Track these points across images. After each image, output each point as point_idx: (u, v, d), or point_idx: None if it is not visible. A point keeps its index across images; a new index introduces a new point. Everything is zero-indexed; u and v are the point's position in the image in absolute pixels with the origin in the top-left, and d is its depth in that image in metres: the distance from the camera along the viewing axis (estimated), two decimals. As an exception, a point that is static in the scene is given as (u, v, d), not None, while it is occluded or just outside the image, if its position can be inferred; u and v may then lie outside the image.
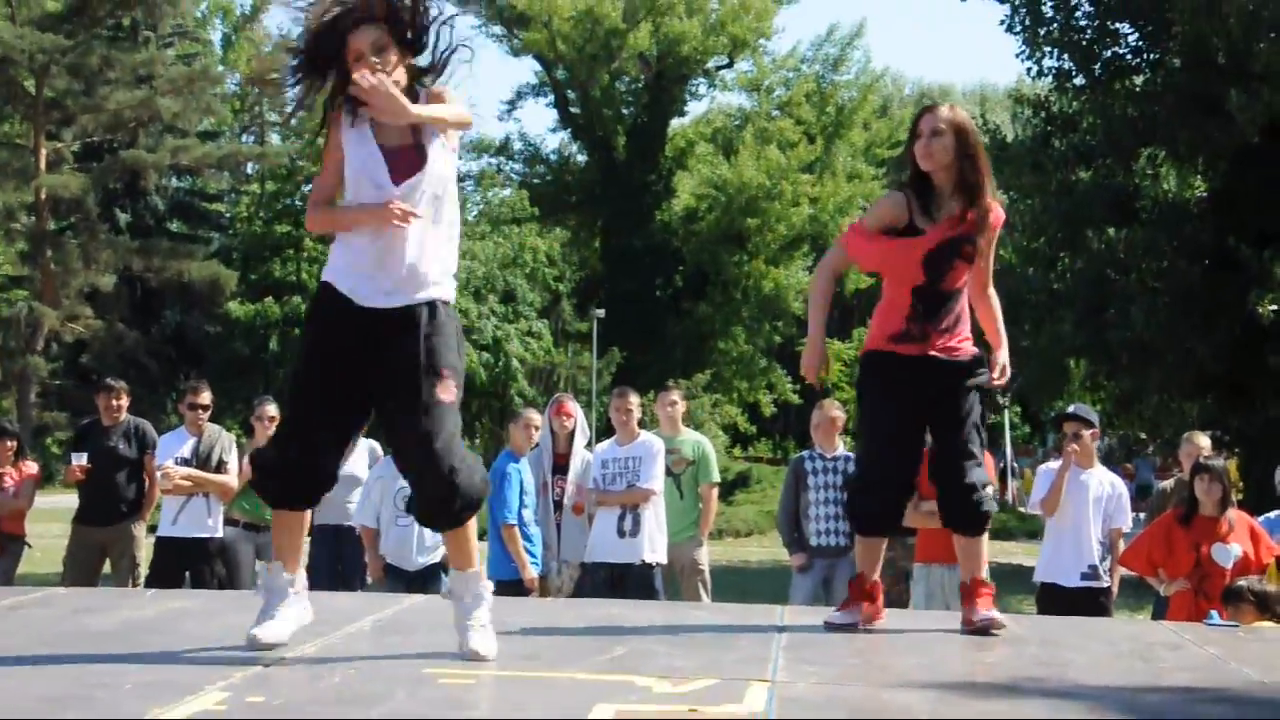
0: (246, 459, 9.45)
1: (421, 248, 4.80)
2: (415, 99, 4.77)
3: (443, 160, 4.84)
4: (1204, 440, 10.18)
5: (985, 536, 5.98)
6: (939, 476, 5.84)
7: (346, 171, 4.84)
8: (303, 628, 5.09)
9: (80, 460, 10.40)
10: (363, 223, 4.78)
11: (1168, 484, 10.51)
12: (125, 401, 10.68)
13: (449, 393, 4.75)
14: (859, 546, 6.01)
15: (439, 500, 4.75)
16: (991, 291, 6.12)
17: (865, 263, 6.09)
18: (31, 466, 11.12)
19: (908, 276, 5.70)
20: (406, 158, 4.79)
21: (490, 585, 4.97)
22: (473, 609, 4.83)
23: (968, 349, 5.82)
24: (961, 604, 6.00)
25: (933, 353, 5.72)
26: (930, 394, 5.72)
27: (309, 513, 5.14)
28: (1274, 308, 20.26)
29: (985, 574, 5.98)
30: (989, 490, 5.86)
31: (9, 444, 10.89)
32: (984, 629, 5.75)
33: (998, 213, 5.78)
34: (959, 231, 5.65)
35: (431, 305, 4.81)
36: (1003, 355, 6.04)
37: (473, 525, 4.87)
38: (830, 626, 5.81)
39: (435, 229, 4.85)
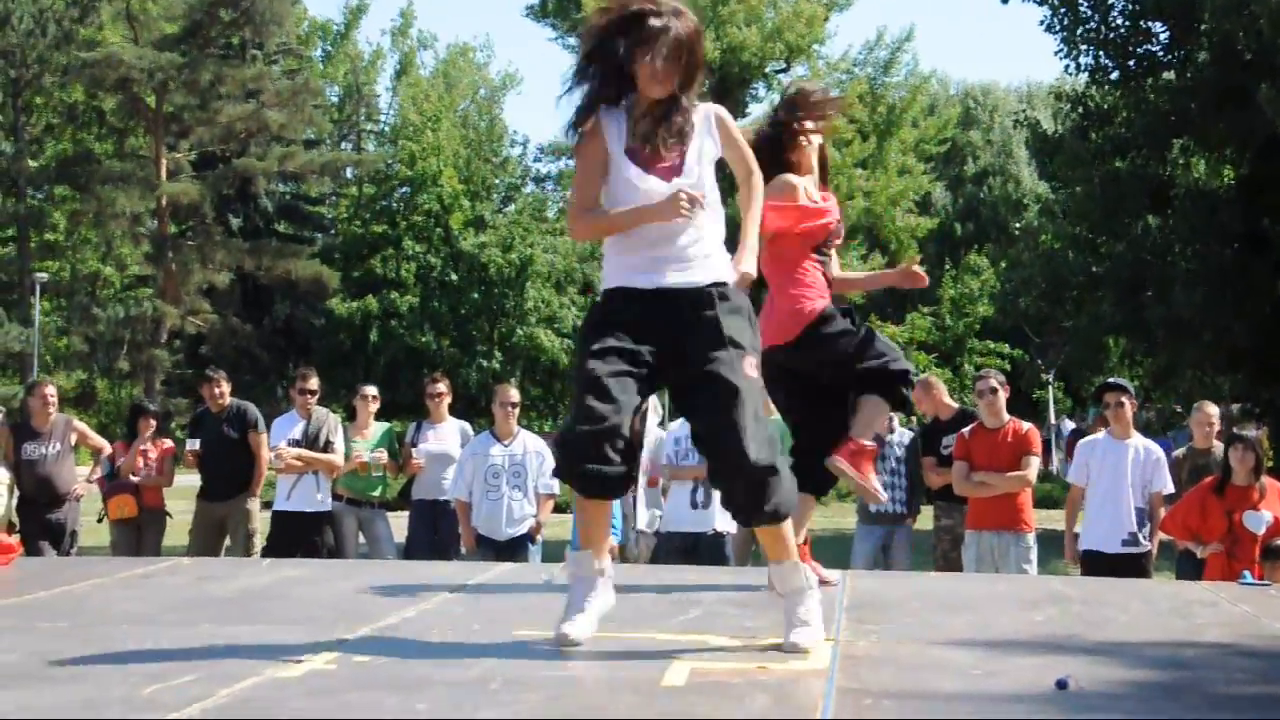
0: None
1: (699, 231, 4.46)
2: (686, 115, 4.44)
3: (699, 170, 4.46)
4: (1213, 409, 10.02)
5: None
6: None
7: (612, 181, 4.49)
8: (405, 594, 5.12)
9: (193, 445, 10.60)
10: (648, 219, 4.40)
11: (1180, 452, 10.35)
12: (226, 388, 10.80)
13: (753, 369, 4.39)
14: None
15: (746, 499, 4.35)
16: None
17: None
18: (169, 444, 11.29)
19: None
20: (671, 170, 4.44)
21: (814, 576, 4.57)
22: (796, 606, 4.41)
23: None
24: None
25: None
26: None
27: (613, 502, 4.69)
28: (1302, 289, 20.01)
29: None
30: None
31: (151, 422, 11.07)
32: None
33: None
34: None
35: (720, 287, 4.45)
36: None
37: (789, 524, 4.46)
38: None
39: (707, 215, 4.46)
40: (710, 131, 4.50)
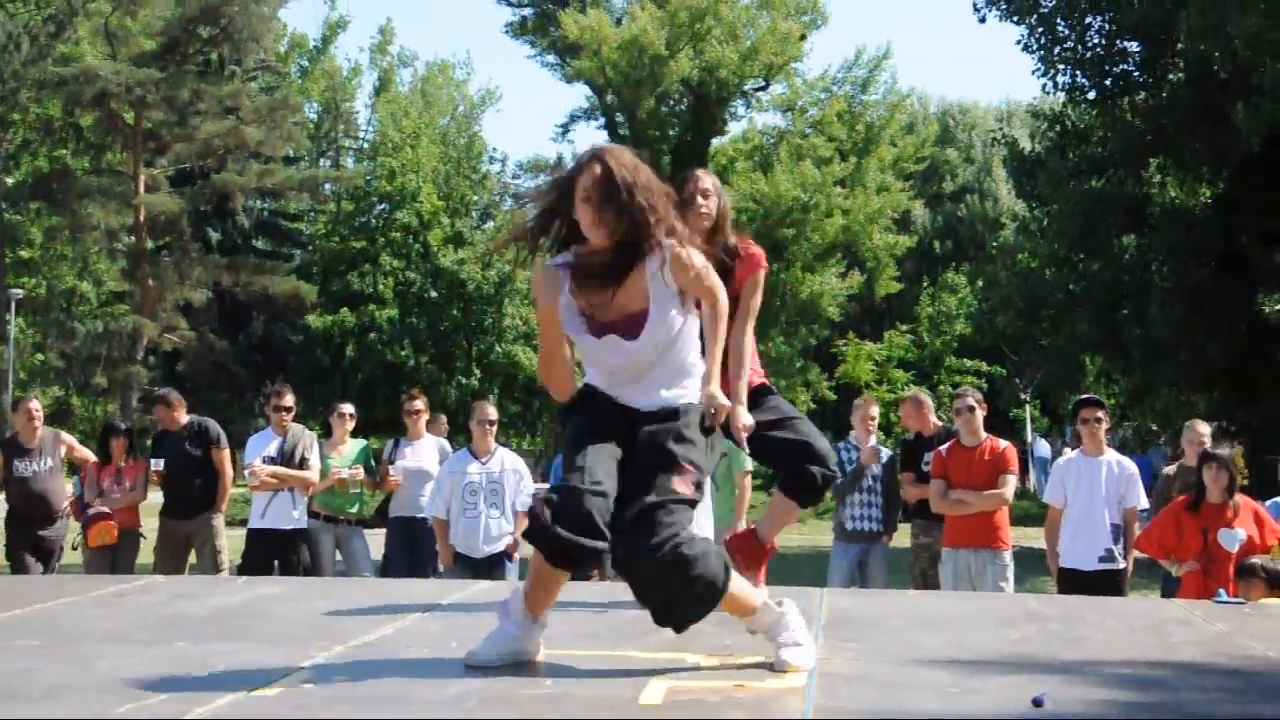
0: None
1: (656, 377, 4.45)
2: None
3: (665, 325, 4.40)
4: (1204, 427, 10.09)
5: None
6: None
7: (574, 338, 4.48)
8: (382, 612, 5.11)
9: (157, 466, 10.57)
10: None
11: (1170, 469, 10.42)
12: (183, 409, 10.77)
13: (686, 486, 4.28)
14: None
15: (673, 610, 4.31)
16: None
17: None
18: (142, 462, 11.25)
19: None
20: (628, 327, 4.40)
21: (783, 608, 4.48)
22: (779, 634, 4.41)
23: None
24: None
25: None
26: None
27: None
28: (1279, 306, 20.10)
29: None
30: None
31: (123, 440, 11.02)
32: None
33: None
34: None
35: (685, 407, 4.44)
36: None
37: (734, 587, 4.36)
38: None
39: (664, 366, 4.45)
40: (660, 277, 4.35)
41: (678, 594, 4.18)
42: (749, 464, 9.98)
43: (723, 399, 4.50)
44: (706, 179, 5.65)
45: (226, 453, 10.68)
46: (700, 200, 5.53)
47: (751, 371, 5.55)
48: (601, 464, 4.24)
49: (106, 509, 10.60)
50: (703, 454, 4.40)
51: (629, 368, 4.43)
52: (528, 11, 44.52)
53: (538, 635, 4.42)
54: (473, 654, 4.34)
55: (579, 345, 4.47)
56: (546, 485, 9.83)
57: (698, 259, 4.42)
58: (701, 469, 4.35)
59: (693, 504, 4.27)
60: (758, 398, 5.54)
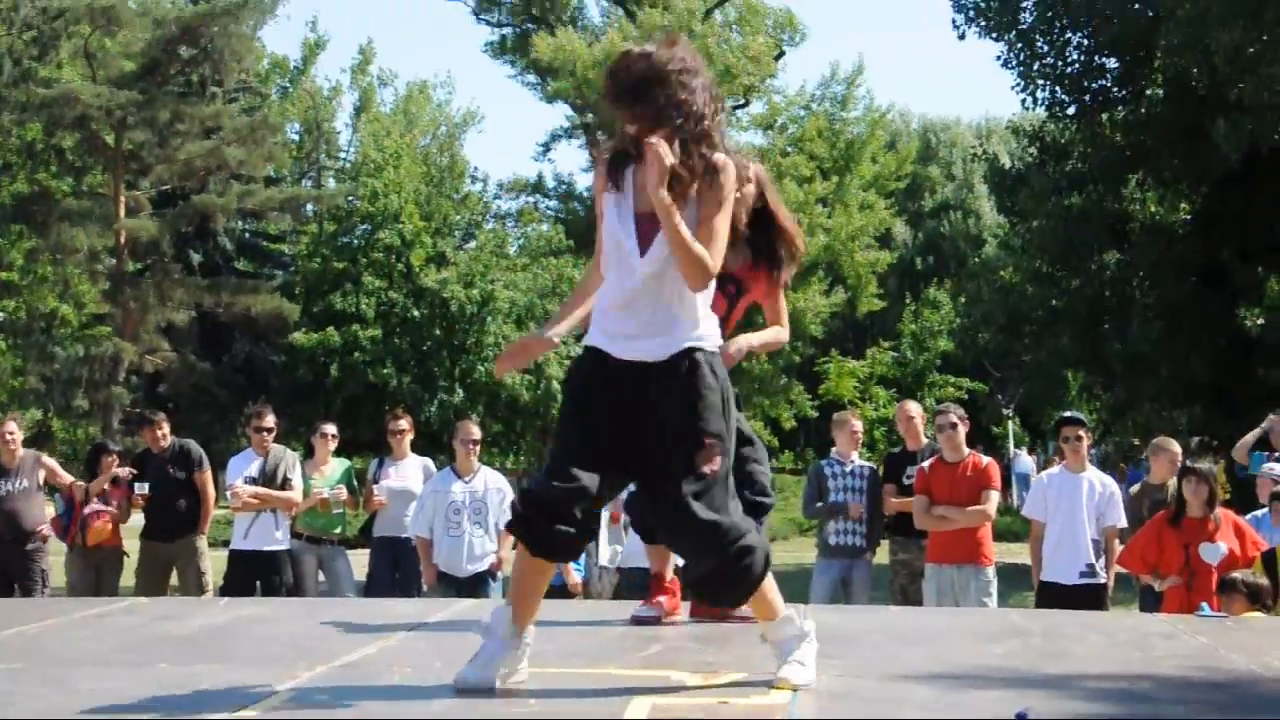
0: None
1: (670, 299, 4.28)
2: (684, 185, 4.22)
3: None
4: (1175, 446, 10.13)
5: None
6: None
7: (604, 231, 4.40)
8: (366, 632, 5.11)
9: (142, 490, 10.55)
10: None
11: (1135, 488, 10.48)
12: (166, 429, 10.79)
13: (712, 462, 4.20)
14: (649, 550, 5.81)
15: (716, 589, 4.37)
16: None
17: None
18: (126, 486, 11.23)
19: None
20: (655, 226, 4.24)
21: (808, 629, 4.45)
22: (790, 649, 4.37)
23: None
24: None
25: None
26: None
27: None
28: (1260, 321, 20.17)
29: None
30: None
31: (113, 459, 11.02)
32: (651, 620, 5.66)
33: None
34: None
35: (691, 356, 4.27)
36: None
37: (768, 583, 4.38)
38: (636, 620, 5.68)
39: (665, 303, 4.29)
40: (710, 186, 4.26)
41: (722, 576, 4.25)
42: None
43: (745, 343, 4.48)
44: (750, 168, 5.71)
45: (209, 475, 10.69)
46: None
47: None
48: (578, 457, 4.20)
49: (102, 507, 10.61)
50: (720, 415, 4.25)
51: (633, 291, 4.28)
52: (506, 31, 44.63)
53: (524, 652, 4.37)
54: (461, 677, 4.26)
55: (607, 235, 4.38)
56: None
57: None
58: (724, 437, 4.24)
59: (726, 476, 4.24)
60: None
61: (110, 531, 10.63)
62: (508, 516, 9.47)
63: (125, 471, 10.68)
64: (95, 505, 10.66)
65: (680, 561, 5.21)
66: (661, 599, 5.73)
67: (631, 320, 4.27)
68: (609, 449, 4.22)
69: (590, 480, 4.17)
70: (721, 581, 4.28)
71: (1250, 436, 11.03)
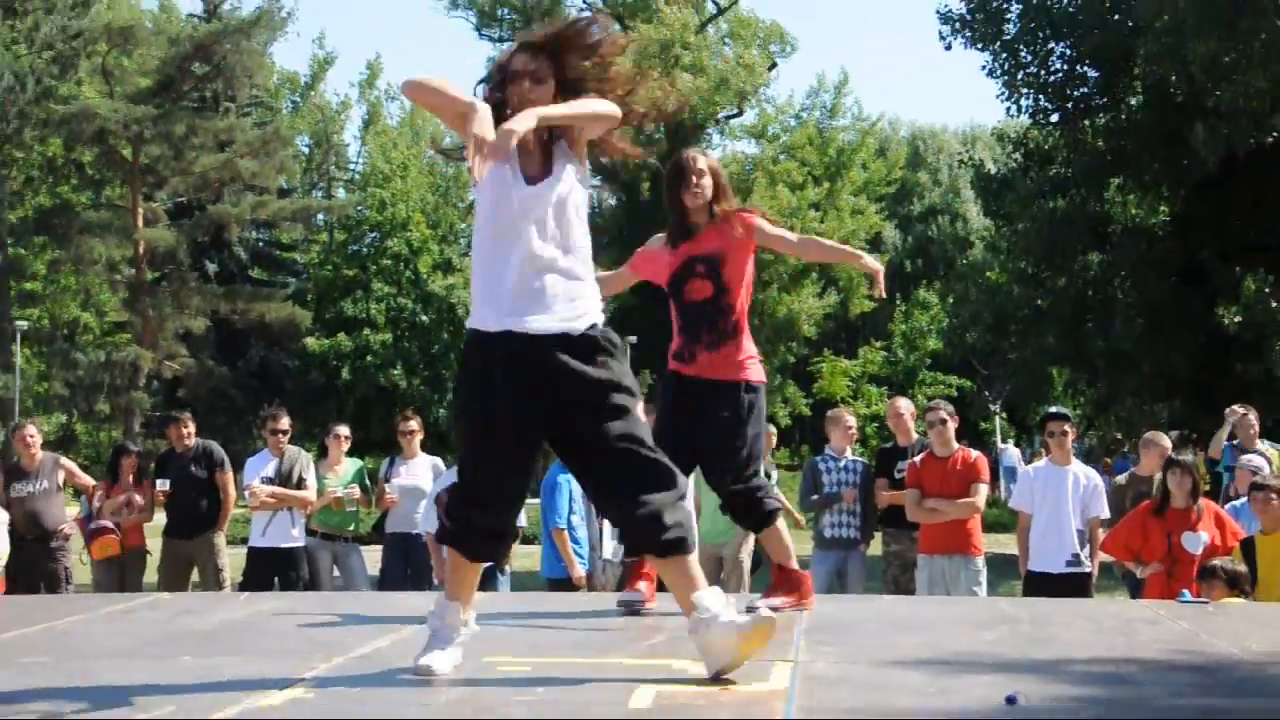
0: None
1: (554, 271, 4.17)
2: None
3: (570, 179, 4.21)
4: (1165, 439, 10.18)
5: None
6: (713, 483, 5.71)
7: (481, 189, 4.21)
8: (380, 625, 5.11)
9: (164, 486, 10.55)
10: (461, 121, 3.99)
11: (1122, 479, 10.51)
12: (192, 428, 10.81)
13: (639, 420, 4.21)
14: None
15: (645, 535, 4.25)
16: (800, 236, 6.58)
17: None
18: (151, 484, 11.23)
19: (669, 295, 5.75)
20: (538, 172, 4.19)
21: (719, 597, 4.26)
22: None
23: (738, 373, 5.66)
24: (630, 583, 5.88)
25: (701, 376, 5.64)
26: (696, 412, 5.60)
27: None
28: (1238, 319, 20.18)
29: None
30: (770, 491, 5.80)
31: (133, 460, 11.02)
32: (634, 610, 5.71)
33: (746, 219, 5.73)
34: (695, 252, 5.67)
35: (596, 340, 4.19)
36: (867, 260, 6.00)
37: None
38: (622, 604, 5.76)
39: (565, 254, 4.18)
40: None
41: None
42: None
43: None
44: (700, 160, 5.73)
45: (230, 475, 10.70)
46: (694, 180, 5.65)
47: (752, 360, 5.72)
48: (503, 472, 4.24)
49: (108, 523, 10.60)
50: (628, 372, 4.27)
51: (527, 239, 4.13)
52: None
53: (468, 633, 4.45)
54: (422, 665, 4.27)
55: (494, 189, 4.18)
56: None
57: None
58: (634, 391, 4.24)
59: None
60: (738, 396, 5.62)
61: (115, 546, 10.60)
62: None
63: (161, 487, 10.65)
64: (101, 521, 10.65)
65: None
66: (641, 585, 5.75)
67: (526, 288, 4.21)
68: (524, 438, 4.24)
69: (519, 495, 4.32)
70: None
71: (1221, 433, 11.12)
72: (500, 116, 4.06)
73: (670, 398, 5.72)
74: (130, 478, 10.91)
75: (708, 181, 5.66)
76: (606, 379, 4.17)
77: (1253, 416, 10.67)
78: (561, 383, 4.13)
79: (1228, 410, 10.99)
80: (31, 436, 10.81)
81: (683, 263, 5.68)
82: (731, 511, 5.73)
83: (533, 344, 4.13)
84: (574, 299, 4.19)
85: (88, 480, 11.14)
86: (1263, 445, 10.52)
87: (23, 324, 35.80)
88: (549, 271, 4.16)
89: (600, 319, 4.24)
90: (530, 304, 4.14)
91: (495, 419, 4.16)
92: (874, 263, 5.94)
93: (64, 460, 11.12)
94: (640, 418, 4.26)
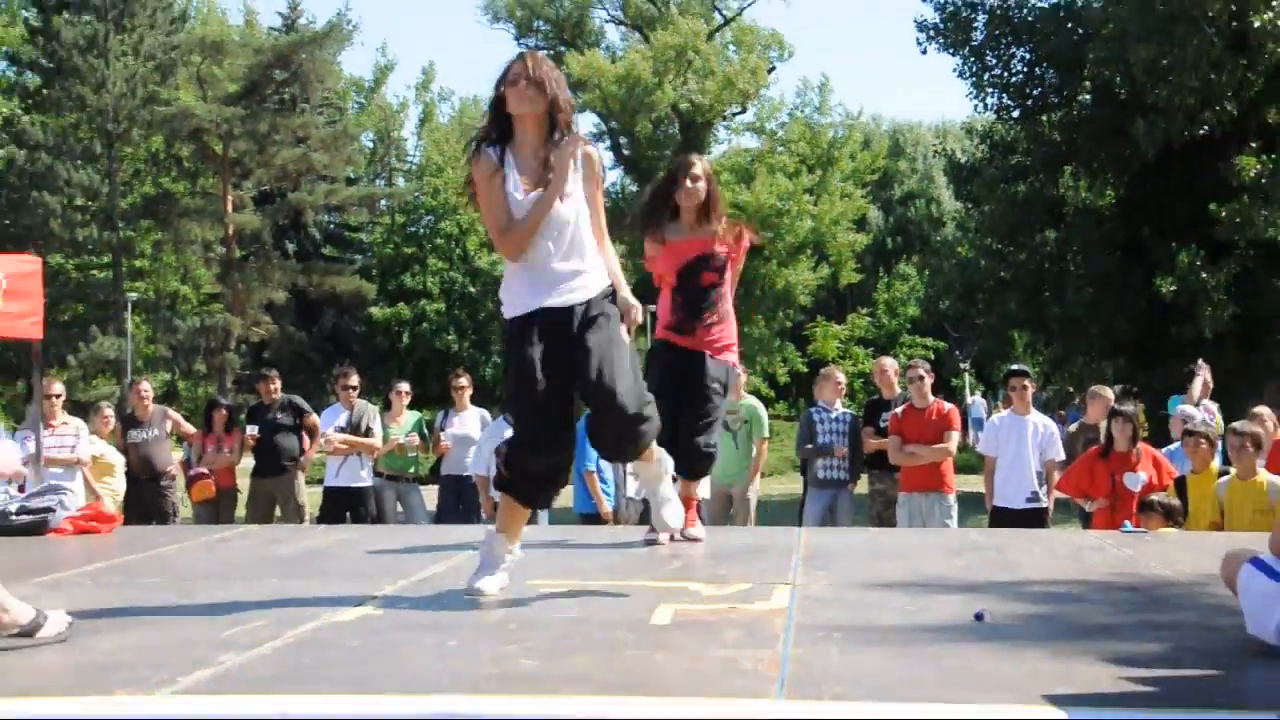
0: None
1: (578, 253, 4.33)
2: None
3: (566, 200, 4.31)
4: (1108, 392, 10.10)
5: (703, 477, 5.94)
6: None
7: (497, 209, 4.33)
8: (437, 553, 5.14)
9: (253, 431, 10.59)
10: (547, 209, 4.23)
11: (1073, 427, 10.42)
12: (278, 384, 10.82)
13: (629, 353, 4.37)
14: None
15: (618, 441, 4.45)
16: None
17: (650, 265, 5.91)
18: (240, 432, 11.28)
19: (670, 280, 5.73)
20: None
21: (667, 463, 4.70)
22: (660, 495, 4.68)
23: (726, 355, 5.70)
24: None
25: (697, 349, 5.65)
26: (684, 375, 5.63)
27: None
28: (1173, 288, 20.09)
29: (697, 497, 5.89)
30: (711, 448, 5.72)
31: (223, 413, 11.06)
32: (691, 539, 5.72)
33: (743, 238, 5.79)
34: (707, 250, 5.66)
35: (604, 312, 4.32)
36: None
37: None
38: (648, 542, 5.74)
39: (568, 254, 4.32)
40: (575, 157, 4.33)
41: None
42: (766, 431, 9.91)
43: (635, 304, 4.50)
44: (698, 164, 5.72)
45: (315, 420, 10.70)
46: (688, 182, 5.60)
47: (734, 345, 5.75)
48: (546, 420, 4.23)
49: (205, 469, 10.64)
50: (620, 326, 4.38)
51: (543, 231, 4.25)
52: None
53: (510, 568, 4.44)
54: (478, 587, 4.30)
55: (514, 208, 4.28)
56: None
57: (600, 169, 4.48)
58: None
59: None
60: (726, 371, 5.70)
61: (211, 490, 10.63)
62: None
63: (251, 432, 10.66)
64: (199, 468, 10.70)
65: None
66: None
67: (546, 269, 4.30)
68: (565, 386, 4.26)
69: (560, 443, 4.31)
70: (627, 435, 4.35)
71: (1195, 384, 10.47)
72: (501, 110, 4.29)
73: (663, 361, 5.71)
74: (221, 428, 10.95)
75: (702, 185, 5.65)
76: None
77: (1207, 374, 10.42)
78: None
79: (1198, 364, 10.54)
80: (145, 391, 10.87)
81: (698, 256, 5.67)
82: (682, 455, 5.58)
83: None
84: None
85: (190, 428, 11.20)
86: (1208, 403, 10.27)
87: (132, 295, 35.94)
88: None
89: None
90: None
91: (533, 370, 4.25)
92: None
93: (171, 412, 11.16)
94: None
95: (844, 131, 42.99)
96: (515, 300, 4.34)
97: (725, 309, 5.75)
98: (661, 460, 4.66)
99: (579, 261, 4.33)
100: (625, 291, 4.51)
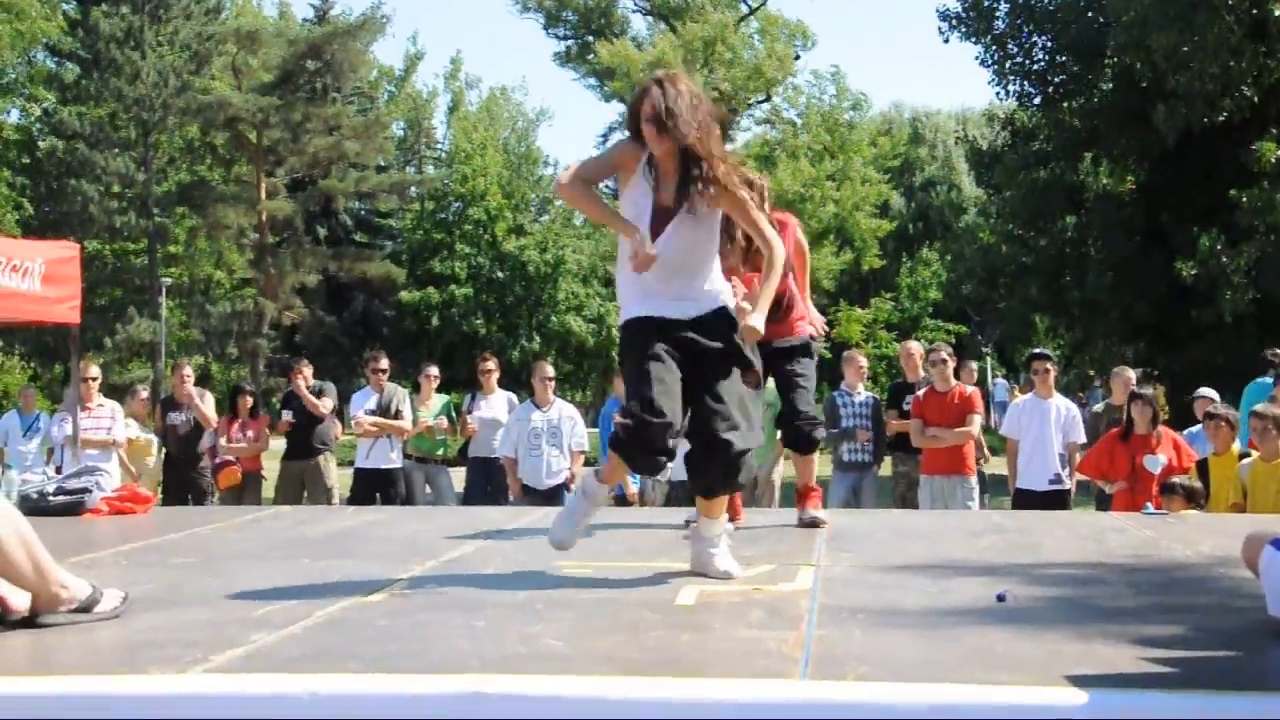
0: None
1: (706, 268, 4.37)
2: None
3: (690, 228, 4.28)
4: (1130, 372, 10.02)
5: (815, 455, 5.74)
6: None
7: (625, 203, 4.34)
8: (464, 534, 5.13)
9: (288, 416, 10.60)
10: (617, 229, 4.32)
11: (1098, 408, 10.36)
12: (309, 373, 10.82)
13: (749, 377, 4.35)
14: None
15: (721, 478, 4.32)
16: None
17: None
18: (265, 416, 11.29)
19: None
20: (665, 219, 4.28)
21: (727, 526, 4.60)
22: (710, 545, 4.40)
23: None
24: (795, 503, 5.85)
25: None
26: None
27: None
28: (1194, 272, 19.95)
29: (813, 481, 5.81)
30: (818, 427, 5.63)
31: (248, 400, 11.08)
32: (810, 523, 5.66)
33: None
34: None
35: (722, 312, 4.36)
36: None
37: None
38: (688, 522, 5.66)
39: (691, 275, 4.34)
40: (698, 189, 4.23)
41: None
42: None
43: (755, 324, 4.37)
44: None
45: (342, 408, 10.67)
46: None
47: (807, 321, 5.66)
48: (666, 395, 4.17)
49: (231, 457, 10.66)
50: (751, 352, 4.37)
51: (661, 263, 4.21)
52: (570, 43, 44.33)
53: (597, 506, 4.46)
54: (553, 537, 4.40)
55: (628, 204, 4.30)
56: (597, 429, 9.85)
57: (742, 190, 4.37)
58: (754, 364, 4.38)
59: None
60: (798, 351, 5.58)
61: (237, 477, 10.61)
62: (578, 439, 9.54)
63: (286, 417, 10.65)
64: (223, 457, 10.71)
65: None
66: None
67: (665, 289, 4.28)
68: (681, 386, 4.23)
69: (677, 414, 4.19)
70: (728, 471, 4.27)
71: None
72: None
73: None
74: (246, 414, 10.96)
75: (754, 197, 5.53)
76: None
77: None
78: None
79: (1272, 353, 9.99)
80: (188, 374, 10.94)
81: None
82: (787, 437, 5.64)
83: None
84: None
85: (211, 419, 11.17)
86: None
87: (167, 280, 36.16)
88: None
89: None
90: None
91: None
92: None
93: (201, 401, 11.16)
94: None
95: (858, 117, 42.78)
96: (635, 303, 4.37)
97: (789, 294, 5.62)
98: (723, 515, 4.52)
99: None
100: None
